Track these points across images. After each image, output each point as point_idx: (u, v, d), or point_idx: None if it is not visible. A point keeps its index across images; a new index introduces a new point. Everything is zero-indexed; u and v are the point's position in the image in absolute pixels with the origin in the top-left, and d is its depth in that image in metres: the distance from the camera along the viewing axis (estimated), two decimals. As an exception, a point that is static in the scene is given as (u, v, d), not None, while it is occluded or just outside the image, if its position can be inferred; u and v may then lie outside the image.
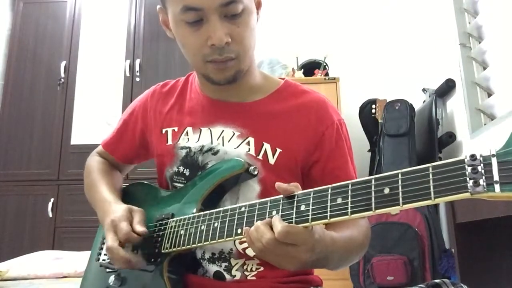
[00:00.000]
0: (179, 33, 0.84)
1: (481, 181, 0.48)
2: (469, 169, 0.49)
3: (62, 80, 2.96)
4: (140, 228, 0.79)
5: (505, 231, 1.74)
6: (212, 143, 0.89)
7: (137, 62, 2.96)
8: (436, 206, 2.23)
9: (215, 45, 0.78)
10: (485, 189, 0.48)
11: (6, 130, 2.93)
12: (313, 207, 0.62)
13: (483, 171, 0.48)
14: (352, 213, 0.58)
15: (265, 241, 0.62)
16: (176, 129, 0.94)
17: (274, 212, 0.66)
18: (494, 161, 0.48)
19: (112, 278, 0.85)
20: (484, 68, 2.04)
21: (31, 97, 2.97)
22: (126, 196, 1.01)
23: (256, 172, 0.82)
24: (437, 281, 0.74)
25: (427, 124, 2.33)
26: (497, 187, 0.47)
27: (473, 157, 0.49)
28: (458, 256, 1.79)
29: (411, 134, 2.34)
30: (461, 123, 2.13)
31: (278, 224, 0.62)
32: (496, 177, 0.47)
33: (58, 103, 2.95)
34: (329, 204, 0.60)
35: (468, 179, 0.49)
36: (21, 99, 2.97)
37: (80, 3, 3.10)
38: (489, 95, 2.00)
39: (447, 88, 2.24)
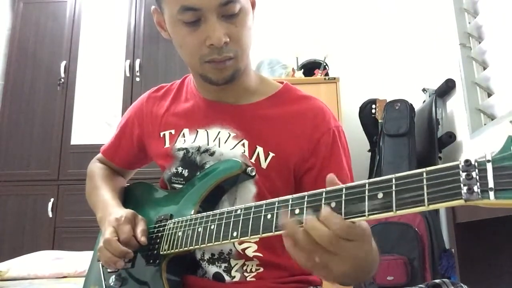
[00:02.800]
0: (176, 33, 0.83)
1: (475, 188, 0.46)
2: (463, 175, 0.47)
3: (62, 80, 2.95)
4: (143, 238, 0.80)
5: (505, 231, 1.74)
6: (208, 144, 0.89)
7: (137, 62, 2.96)
8: (436, 206, 2.23)
9: (214, 45, 0.78)
10: (479, 196, 0.46)
11: (6, 130, 2.93)
12: (307, 211, 0.61)
13: (477, 177, 0.46)
14: (346, 217, 0.57)
15: (319, 238, 0.55)
16: (173, 131, 0.94)
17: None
18: (489, 167, 0.46)
19: (112, 279, 0.86)
20: (484, 68, 2.04)
21: (31, 97, 2.97)
22: (127, 195, 1.02)
23: (253, 173, 0.82)
24: (437, 281, 0.73)
25: (427, 124, 2.32)
26: (491, 194, 0.45)
27: (467, 162, 0.48)
28: (458, 256, 1.79)
29: (411, 134, 2.33)
30: (461, 123, 2.13)
31: (335, 219, 0.55)
32: (491, 183, 0.46)
33: (58, 103, 2.94)
34: (323, 207, 0.59)
35: (462, 185, 0.47)
36: (21, 99, 2.97)
37: (80, 3, 3.10)
38: (489, 95, 2.00)
39: (447, 88, 2.24)
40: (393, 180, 0.54)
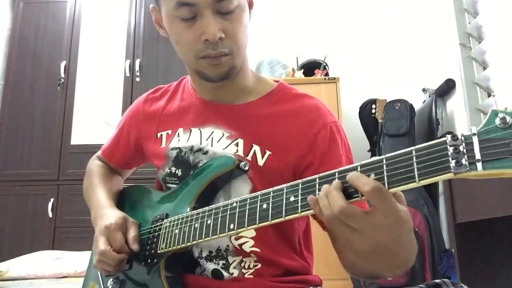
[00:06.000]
0: (172, 29, 0.84)
1: (463, 161, 0.48)
2: (451, 149, 0.49)
3: (62, 80, 2.95)
4: (135, 245, 0.82)
5: (505, 231, 1.74)
6: (201, 144, 0.89)
7: (137, 62, 2.96)
8: (436, 206, 2.23)
9: (209, 40, 0.78)
10: (467, 168, 0.47)
11: (6, 130, 2.93)
12: (302, 197, 0.62)
13: (464, 150, 0.48)
14: None
15: (336, 210, 0.56)
16: (170, 132, 0.95)
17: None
18: (475, 140, 0.48)
19: (111, 281, 0.86)
20: (484, 68, 2.04)
21: (31, 97, 2.97)
22: (122, 198, 1.02)
23: (247, 168, 0.82)
24: (437, 281, 0.73)
25: (427, 124, 2.33)
26: (479, 165, 0.47)
27: (454, 137, 0.49)
28: (458, 256, 1.79)
29: (411, 134, 2.34)
30: (461, 123, 2.13)
31: (336, 198, 0.56)
32: (478, 155, 0.47)
33: (58, 103, 2.94)
34: (317, 193, 0.60)
35: (450, 159, 0.49)
36: (21, 99, 2.97)
37: (80, 3, 3.10)
38: (489, 95, 2.00)
39: (447, 88, 2.24)
40: (384, 161, 0.55)
